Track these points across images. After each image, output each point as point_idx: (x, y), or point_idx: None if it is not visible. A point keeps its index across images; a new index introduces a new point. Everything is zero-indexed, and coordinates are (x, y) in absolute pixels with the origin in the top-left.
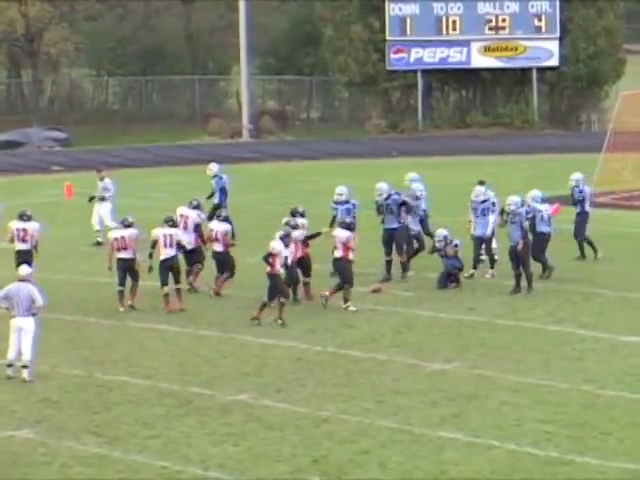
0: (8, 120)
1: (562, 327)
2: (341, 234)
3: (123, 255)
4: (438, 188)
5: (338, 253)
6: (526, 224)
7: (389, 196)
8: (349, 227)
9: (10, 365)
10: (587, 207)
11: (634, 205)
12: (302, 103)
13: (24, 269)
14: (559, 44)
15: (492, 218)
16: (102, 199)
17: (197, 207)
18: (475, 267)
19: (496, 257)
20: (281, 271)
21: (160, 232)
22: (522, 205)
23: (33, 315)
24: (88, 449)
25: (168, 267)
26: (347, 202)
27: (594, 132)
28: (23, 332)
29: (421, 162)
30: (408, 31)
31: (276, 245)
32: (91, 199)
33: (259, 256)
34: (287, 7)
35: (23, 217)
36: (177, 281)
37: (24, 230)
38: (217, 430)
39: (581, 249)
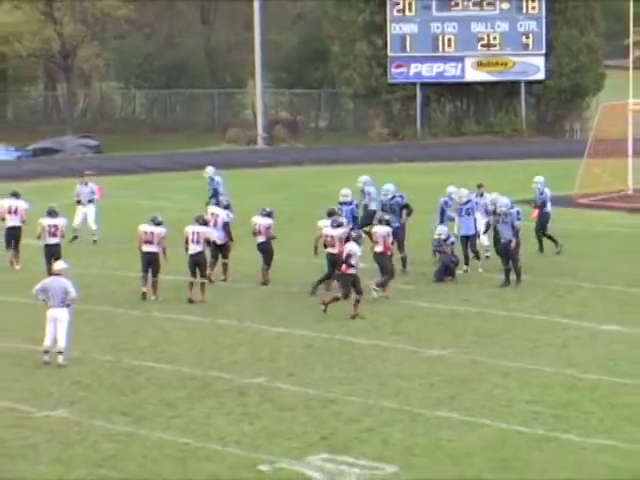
0: (45, 129)
1: (548, 317)
2: (381, 230)
3: (148, 248)
4: (435, 191)
5: (379, 248)
6: (517, 223)
7: (394, 197)
8: (388, 223)
9: (47, 352)
10: (549, 208)
11: (613, 206)
12: (311, 113)
13: (59, 264)
14: (545, 60)
15: (479, 217)
16: (90, 201)
17: (227, 207)
18: (467, 264)
19: (488, 254)
20: (354, 270)
21: (190, 229)
22: (512, 207)
23: (67, 306)
24: (117, 427)
25: (195, 261)
26: (351, 203)
27: (577, 140)
28: (58, 322)
29: (420, 167)
30: (408, 48)
31: (352, 247)
32: (78, 202)
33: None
34: (298, 26)
35: (52, 214)
36: (202, 275)
37: (55, 226)
38: (234, 410)
39: (540, 243)
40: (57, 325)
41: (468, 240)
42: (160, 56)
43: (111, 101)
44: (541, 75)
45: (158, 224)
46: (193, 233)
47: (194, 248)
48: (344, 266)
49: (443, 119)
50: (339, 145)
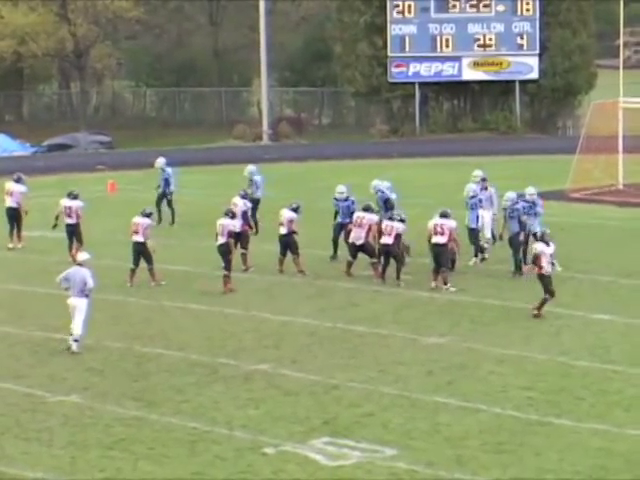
0: (59, 126)
1: None
2: (449, 223)
3: (135, 238)
4: (434, 185)
5: (441, 239)
6: (524, 217)
7: (347, 198)
8: (447, 216)
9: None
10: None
11: (603, 200)
12: (315, 111)
13: (82, 255)
14: (539, 60)
15: (481, 212)
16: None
17: (244, 197)
18: (476, 255)
19: (486, 245)
20: (549, 270)
21: (219, 222)
22: (517, 202)
23: (85, 296)
24: (128, 412)
25: (219, 252)
26: (347, 199)
27: (569, 136)
28: (76, 310)
29: (418, 162)
30: (407, 48)
31: (540, 246)
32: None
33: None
34: (302, 28)
35: (70, 196)
36: (226, 269)
37: (69, 207)
38: (241, 395)
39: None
40: (75, 313)
41: (476, 232)
42: (170, 56)
43: (123, 99)
44: (535, 74)
45: (146, 215)
46: (219, 226)
47: (219, 240)
48: (535, 267)
49: (441, 116)
50: (341, 141)
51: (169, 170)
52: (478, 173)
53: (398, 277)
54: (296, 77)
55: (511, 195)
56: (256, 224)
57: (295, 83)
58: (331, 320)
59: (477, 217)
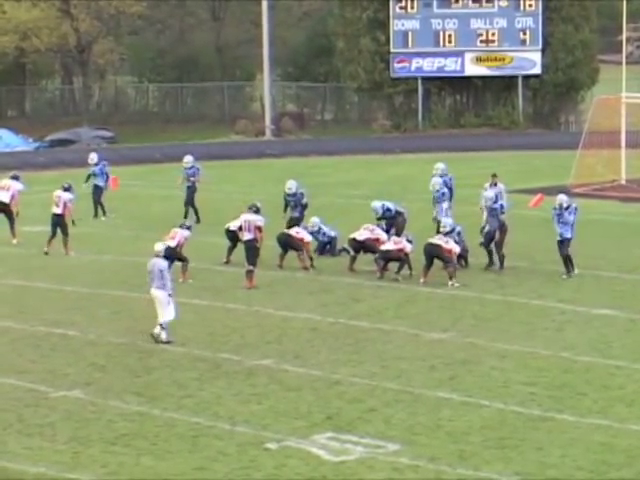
0: (62, 121)
1: (544, 301)
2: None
3: (55, 210)
4: None
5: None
6: (502, 216)
7: (295, 193)
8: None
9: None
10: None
11: (606, 195)
12: (317, 106)
13: (158, 245)
14: (541, 55)
15: (445, 205)
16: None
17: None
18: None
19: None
20: None
21: (242, 218)
22: (496, 201)
23: (163, 288)
24: (131, 407)
25: (245, 248)
26: (295, 194)
27: (572, 132)
28: (156, 301)
29: (421, 158)
30: (410, 44)
31: None
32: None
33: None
34: (304, 23)
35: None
36: (250, 263)
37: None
38: (243, 391)
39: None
40: (157, 304)
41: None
42: (172, 51)
43: (125, 94)
44: (538, 70)
45: (67, 189)
46: (245, 221)
47: (245, 236)
48: None
49: (443, 112)
50: (344, 137)
51: (198, 165)
52: (439, 166)
53: (398, 272)
54: (299, 72)
55: (489, 194)
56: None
57: (297, 78)
58: (333, 315)
59: (442, 209)
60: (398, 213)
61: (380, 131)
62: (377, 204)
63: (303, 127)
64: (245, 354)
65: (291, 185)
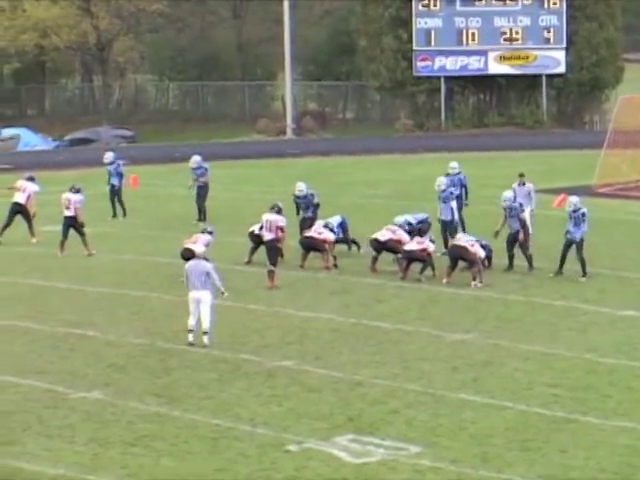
0: (81, 120)
1: (567, 302)
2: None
3: (67, 213)
4: None
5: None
6: (522, 215)
7: (305, 196)
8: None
9: (190, 331)
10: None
11: (630, 195)
12: (339, 105)
13: (199, 247)
14: (565, 53)
15: (454, 204)
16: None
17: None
18: (446, 247)
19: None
20: None
21: (264, 217)
22: (515, 200)
23: (208, 289)
24: (151, 408)
25: (267, 248)
26: (306, 197)
27: (596, 131)
28: (201, 304)
29: (443, 157)
30: (433, 42)
31: None
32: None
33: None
34: (326, 21)
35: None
36: (271, 263)
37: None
38: (264, 392)
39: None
40: (200, 307)
41: (448, 225)
42: (193, 49)
43: (145, 93)
44: (562, 68)
45: (77, 191)
46: (266, 221)
47: (266, 236)
48: None
49: (466, 111)
50: (365, 136)
51: (205, 165)
52: (454, 165)
53: (421, 272)
54: (320, 71)
55: (507, 194)
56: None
57: (319, 77)
58: (355, 316)
59: (451, 210)
60: (420, 222)
61: (402, 130)
62: (400, 220)
63: (324, 126)
64: (266, 355)
65: (301, 187)
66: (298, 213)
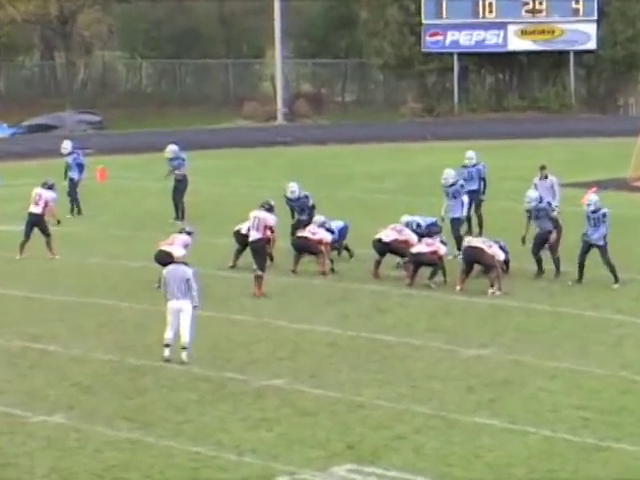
0: (41, 103)
1: (599, 312)
2: None
3: (33, 210)
4: None
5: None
6: (554, 214)
7: (299, 198)
8: None
9: (167, 345)
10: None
11: None
12: (337, 86)
13: (179, 250)
14: (597, 27)
15: (466, 199)
16: None
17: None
18: (459, 249)
19: None
20: None
21: (252, 215)
22: (541, 200)
23: (190, 298)
24: (121, 434)
25: (252, 249)
26: (299, 199)
27: (632, 116)
28: (181, 313)
29: (456, 146)
30: (444, 14)
31: None
32: None
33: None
34: None
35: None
36: (258, 267)
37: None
38: (251, 415)
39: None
40: (180, 318)
41: (459, 223)
42: (169, 22)
43: (114, 72)
44: (592, 44)
45: (49, 188)
46: (254, 219)
47: (252, 235)
48: None
49: (483, 93)
50: (367, 121)
51: (183, 156)
52: (471, 154)
53: (431, 278)
54: (315, 47)
55: (533, 194)
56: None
57: (314, 54)
58: (355, 328)
59: (462, 205)
60: (430, 226)
61: (409, 115)
62: (408, 220)
63: (320, 110)
64: (253, 373)
65: (293, 188)
66: (293, 216)
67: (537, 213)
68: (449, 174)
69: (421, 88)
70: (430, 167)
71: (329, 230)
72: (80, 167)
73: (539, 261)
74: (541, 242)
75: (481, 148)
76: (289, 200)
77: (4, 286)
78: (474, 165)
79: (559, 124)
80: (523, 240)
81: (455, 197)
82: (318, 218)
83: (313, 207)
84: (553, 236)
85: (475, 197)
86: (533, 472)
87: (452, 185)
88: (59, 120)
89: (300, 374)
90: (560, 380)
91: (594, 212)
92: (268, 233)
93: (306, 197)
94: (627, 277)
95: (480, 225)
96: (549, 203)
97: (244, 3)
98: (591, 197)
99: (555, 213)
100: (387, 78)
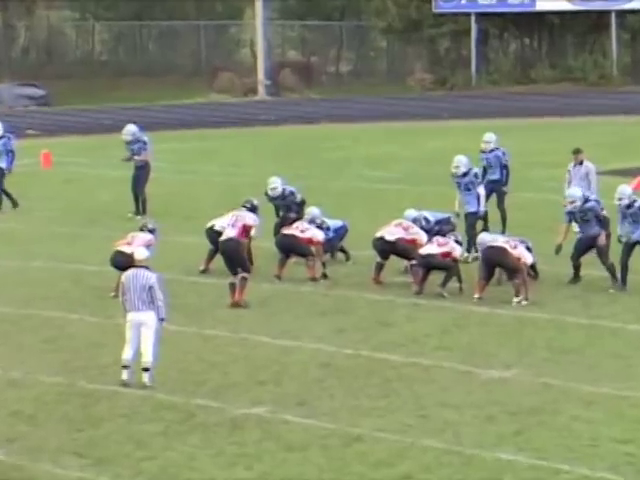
0: None
1: None
2: None
3: None
4: None
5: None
6: (603, 213)
7: (285, 196)
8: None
9: (126, 367)
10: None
11: None
12: (330, 54)
13: (141, 252)
14: None
15: (482, 191)
16: None
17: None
18: (469, 250)
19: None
20: None
21: (231, 213)
22: (587, 200)
23: (154, 309)
24: (70, 473)
25: (223, 250)
26: (285, 197)
27: None
28: (143, 328)
29: (475, 125)
30: None
31: None
32: None
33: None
34: None
35: None
36: (243, 269)
37: None
38: (226, 450)
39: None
40: (142, 332)
41: (476, 220)
42: None
43: (62, 36)
44: (638, 3)
45: None
46: (232, 216)
47: (227, 232)
48: None
49: (506, 62)
50: (367, 96)
51: (145, 138)
52: (489, 137)
53: (444, 285)
54: (304, 6)
55: (577, 193)
56: None
57: (302, 15)
58: (353, 345)
59: (478, 198)
60: (439, 223)
61: (418, 88)
62: (414, 214)
63: (310, 83)
64: (229, 399)
65: (275, 183)
66: (278, 215)
67: (583, 215)
68: (460, 162)
69: (432, 56)
70: (442, 151)
71: (321, 227)
72: (10, 154)
73: (577, 267)
74: (587, 247)
75: (504, 128)
76: (272, 199)
77: None
78: (492, 150)
79: (598, 99)
80: (558, 249)
81: (469, 189)
82: (310, 211)
83: (302, 203)
84: (601, 239)
85: (496, 188)
86: None
87: (464, 175)
88: None
89: (286, 401)
90: (599, 407)
91: (629, 207)
92: (244, 233)
93: (292, 194)
94: None
95: (503, 221)
96: (597, 201)
97: None
98: (622, 189)
99: (605, 212)
100: (391, 44)
